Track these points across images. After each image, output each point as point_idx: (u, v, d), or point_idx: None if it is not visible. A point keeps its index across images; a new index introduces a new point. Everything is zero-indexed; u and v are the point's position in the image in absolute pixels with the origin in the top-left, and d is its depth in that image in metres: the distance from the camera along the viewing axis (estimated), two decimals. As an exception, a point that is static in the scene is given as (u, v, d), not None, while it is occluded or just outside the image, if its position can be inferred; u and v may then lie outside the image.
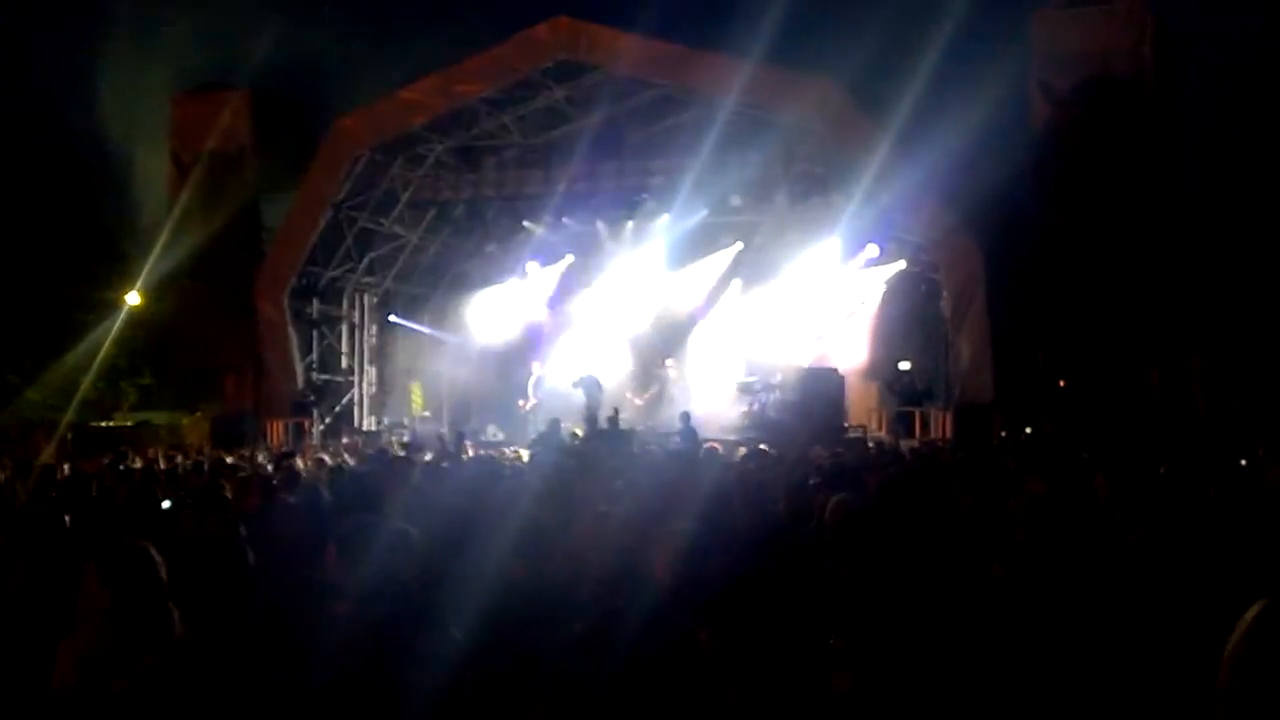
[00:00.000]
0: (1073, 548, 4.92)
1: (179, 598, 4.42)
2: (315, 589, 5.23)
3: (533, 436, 24.47)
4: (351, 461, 17.39)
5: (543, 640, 3.99)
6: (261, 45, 34.04)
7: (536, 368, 30.36)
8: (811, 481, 9.74)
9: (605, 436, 22.61)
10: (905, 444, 22.68)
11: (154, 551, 4.51)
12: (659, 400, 29.01)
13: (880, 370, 27.64)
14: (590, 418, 25.89)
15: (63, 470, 14.02)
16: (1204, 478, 7.61)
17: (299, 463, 15.32)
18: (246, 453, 20.67)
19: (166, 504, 8.00)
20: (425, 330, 33.55)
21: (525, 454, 18.22)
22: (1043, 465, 8.88)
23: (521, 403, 29.86)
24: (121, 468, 13.84)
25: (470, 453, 19.63)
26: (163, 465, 16.83)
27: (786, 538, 5.46)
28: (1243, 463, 11.81)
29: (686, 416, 23.74)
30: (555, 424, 22.41)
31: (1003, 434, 23.81)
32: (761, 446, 16.88)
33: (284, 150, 32.28)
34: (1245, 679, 2.19)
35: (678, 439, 21.81)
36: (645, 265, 31.05)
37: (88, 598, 4.36)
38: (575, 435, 23.31)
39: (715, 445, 19.04)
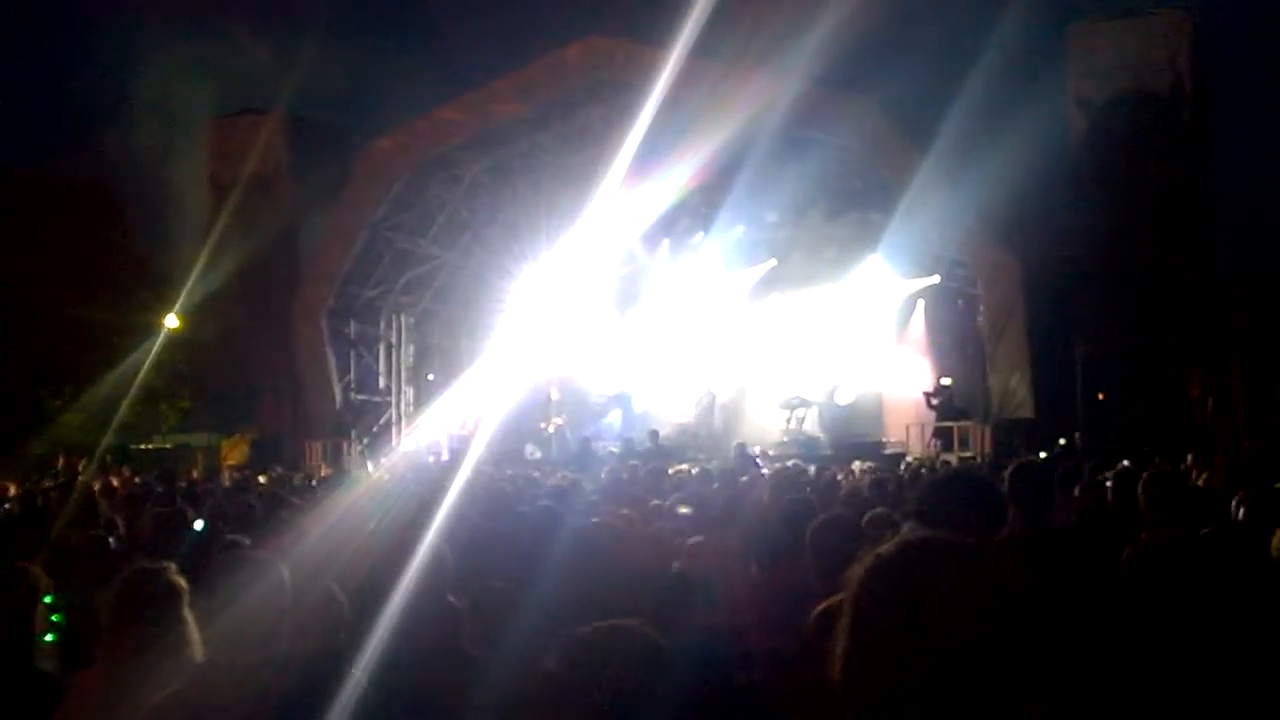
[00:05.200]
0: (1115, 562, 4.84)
1: (213, 619, 4.38)
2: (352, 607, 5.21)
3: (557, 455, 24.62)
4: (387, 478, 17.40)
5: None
6: (296, 69, 34.24)
7: (554, 391, 30.38)
8: (848, 496, 9.69)
9: (643, 455, 22.56)
10: (944, 459, 22.56)
11: (174, 575, 4.46)
12: (704, 418, 28.91)
13: (919, 386, 27.50)
14: (626, 437, 25.89)
15: (101, 492, 14.05)
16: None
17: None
18: (285, 473, 20.71)
19: (199, 524, 7.97)
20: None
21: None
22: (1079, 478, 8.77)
23: (543, 424, 29.90)
24: (160, 489, 13.85)
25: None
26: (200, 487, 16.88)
27: (824, 553, 5.38)
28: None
29: (743, 447, 23.28)
30: (586, 443, 22.40)
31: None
32: (799, 463, 16.80)
33: (320, 173, 32.46)
34: None
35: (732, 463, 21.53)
36: (683, 282, 31.05)
37: (105, 626, 4.33)
38: (610, 453, 23.32)
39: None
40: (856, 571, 2.29)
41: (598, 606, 4.84)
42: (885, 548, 2.33)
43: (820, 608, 3.68)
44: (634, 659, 2.81)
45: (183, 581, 4.43)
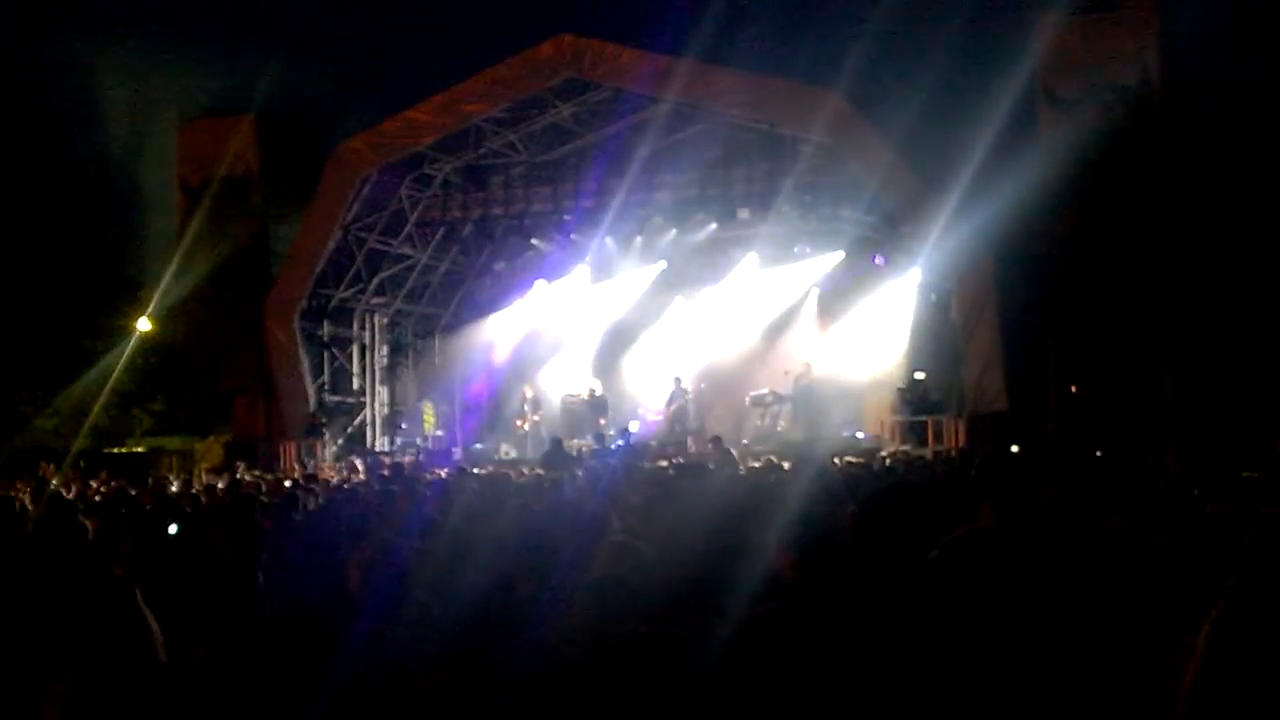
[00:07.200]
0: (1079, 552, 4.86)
1: (186, 623, 4.39)
2: (327, 610, 5.21)
3: (533, 455, 24.65)
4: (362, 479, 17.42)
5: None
6: (267, 71, 34.11)
7: (528, 389, 30.42)
8: (828, 493, 9.70)
9: (616, 452, 22.58)
10: (917, 453, 22.65)
11: (129, 582, 4.46)
12: (677, 415, 28.95)
13: (892, 380, 27.55)
14: (598, 434, 25.91)
15: (75, 496, 14.02)
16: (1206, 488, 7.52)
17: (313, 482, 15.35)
18: (257, 475, 20.70)
19: (173, 529, 7.95)
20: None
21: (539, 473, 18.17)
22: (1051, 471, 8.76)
23: (519, 422, 29.92)
24: (132, 493, 13.82)
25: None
26: (174, 489, 16.87)
27: (803, 550, 5.39)
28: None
29: (719, 441, 23.22)
30: (557, 441, 22.36)
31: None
32: (773, 459, 16.86)
33: (291, 174, 32.35)
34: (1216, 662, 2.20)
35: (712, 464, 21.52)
36: (653, 280, 31.13)
37: (68, 632, 4.33)
38: (589, 451, 23.30)
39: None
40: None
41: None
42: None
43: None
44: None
45: (134, 582, 4.43)
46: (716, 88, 26.29)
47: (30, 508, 11.79)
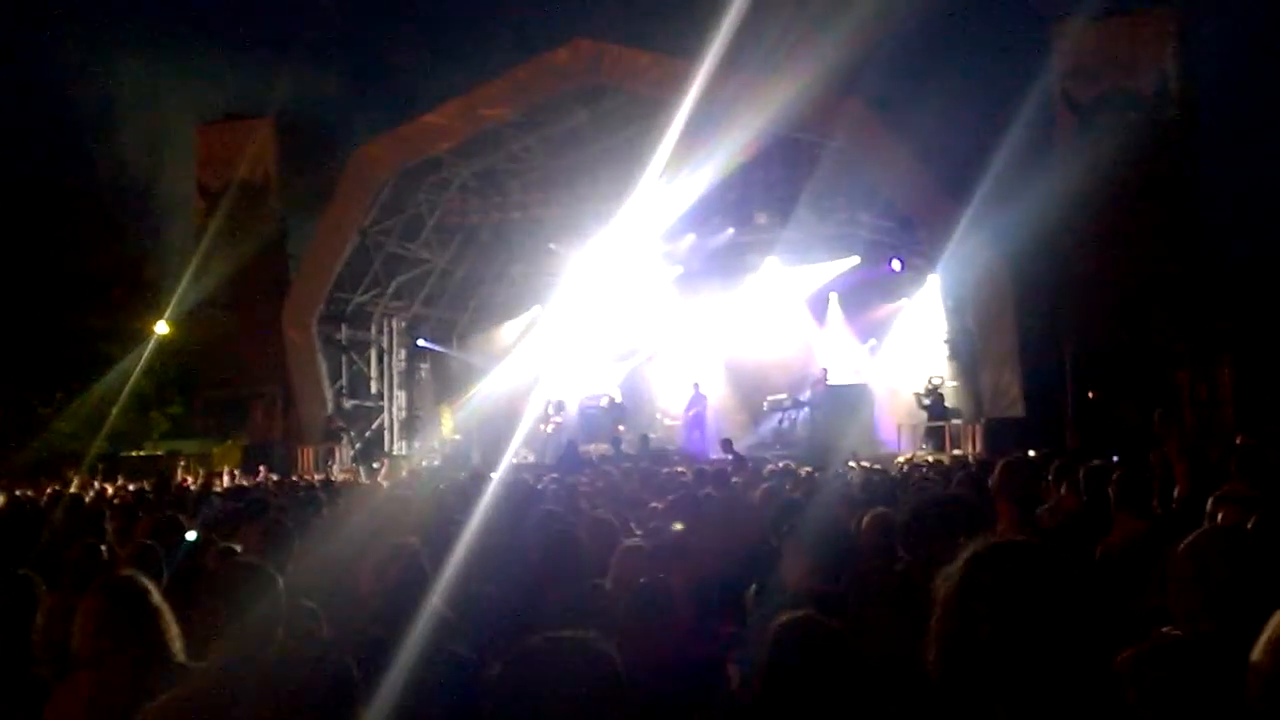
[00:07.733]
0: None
1: (204, 625, 4.40)
2: (344, 615, 5.22)
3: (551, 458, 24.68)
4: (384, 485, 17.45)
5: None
6: (285, 75, 34.21)
7: (553, 391, 30.39)
8: (845, 499, 9.69)
9: (633, 458, 22.58)
10: (934, 458, 22.58)
11: (142, 581, 4.48)
12: (695, 421, 28.91)
13: (909, 385, 27.48)
14: (616, 439, 25.91)
15: (93, 499, 14.07)
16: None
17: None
18: (275, 479, 20.75)
19: (191, 535, 7.95)
20: (452, 353, 33.72)
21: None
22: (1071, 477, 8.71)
23: (542, 425, 29.88)
24: (150, 496, 13.86)
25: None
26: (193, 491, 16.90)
27: (819, 556, 5.38)
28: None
29: (729, 443, 23.18)
30: (573, 446, 22.37)
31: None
32: (791, 464, 16.81)
33: (309, 178, 32.40)
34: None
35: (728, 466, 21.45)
36: (671, 284, 31.09)
37: (83, 634, 4.34)
38: (605, 456, 23.31)
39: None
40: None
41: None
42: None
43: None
44: (582, 672, 2.72)
45: (149, 584, 4.45)
46: (733, 91, 26.21)
47: (48, 511, 11.82)
